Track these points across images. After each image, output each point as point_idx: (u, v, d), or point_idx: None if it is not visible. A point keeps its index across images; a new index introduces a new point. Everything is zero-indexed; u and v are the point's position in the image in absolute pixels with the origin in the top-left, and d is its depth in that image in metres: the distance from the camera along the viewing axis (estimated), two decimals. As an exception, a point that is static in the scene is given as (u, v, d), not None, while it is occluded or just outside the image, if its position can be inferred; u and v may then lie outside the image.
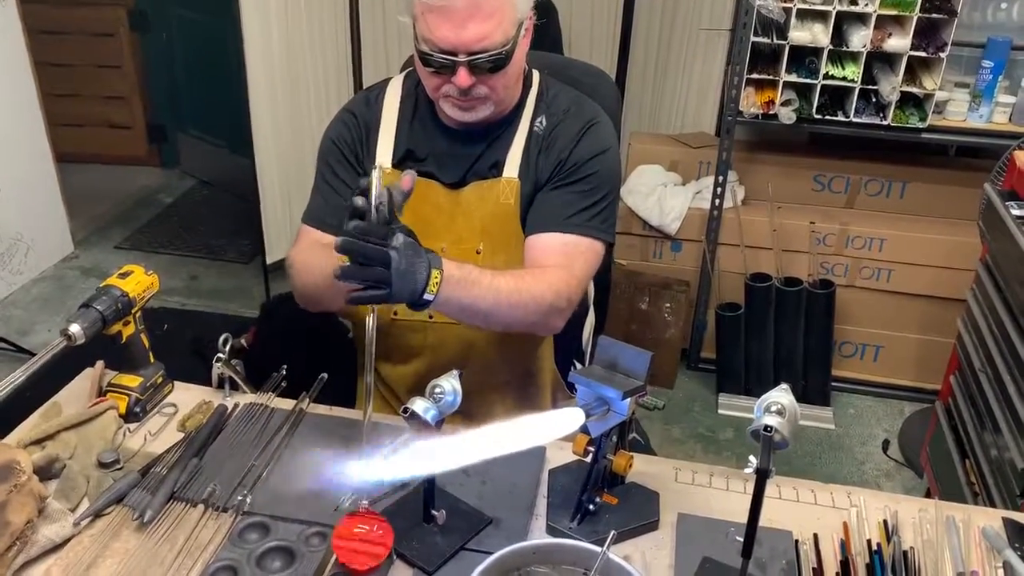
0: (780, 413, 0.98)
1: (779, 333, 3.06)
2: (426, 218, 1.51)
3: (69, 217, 4.00)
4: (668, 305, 3.11)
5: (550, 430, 1.07)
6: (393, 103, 1.55)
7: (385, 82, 1.59)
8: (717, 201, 2.97)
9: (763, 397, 1.00)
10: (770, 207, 3.00)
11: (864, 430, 3.05)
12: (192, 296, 3.74)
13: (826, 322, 3.03)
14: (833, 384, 3.16)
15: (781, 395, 1.00)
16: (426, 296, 1.20)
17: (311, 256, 1.43)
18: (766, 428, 0.95)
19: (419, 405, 1.11)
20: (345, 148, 1.54)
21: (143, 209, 4.51)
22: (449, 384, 1.15)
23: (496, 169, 1.49)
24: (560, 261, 1.43)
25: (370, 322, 1.21)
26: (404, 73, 1.58)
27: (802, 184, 3.14)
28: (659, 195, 3.09)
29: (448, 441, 0.99)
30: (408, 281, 1.16)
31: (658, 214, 3.08)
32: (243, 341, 2.73)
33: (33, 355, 2.73)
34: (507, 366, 1.59)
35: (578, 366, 1.76)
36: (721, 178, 2.94)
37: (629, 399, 1.16)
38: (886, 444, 2.96)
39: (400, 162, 1.51)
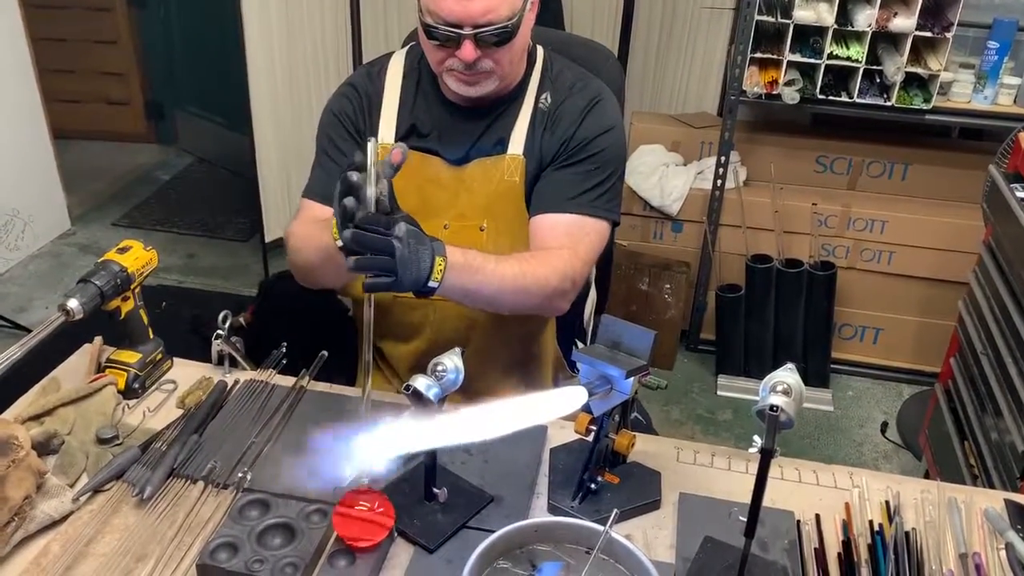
0: (786, 393, 0.96)
1: (779, 315, 3.06)
2: (428, 195, 1.50)
3: (66, 193, 3.98)
4: (668, 286, 3.10)
5: (552, 408, 1.06)
6: (396, 78, 1.53)
7: (387, 57, 1.57)
8: (719, 182, 2.96)
9: (769, 376, 0.99)
10: (772, 188, 2.98)
11: (863, 412, 3.06)
12: (190, 274, 3.72)
13: (826, 304, 3.02)
14: (832, 366, 3.17)
15: (787, 375, 0.99)
16: (431, 284, 1.19)
17: (310, 231, 1.42)
18: (772, 408, 0.94)
19: (421, 383, 1.10)
20: (347, 121, 1.52)
21: (141, 186, 4.49)
22: (451, 362, 1.14)
23: (501, 146, 1.48)
24: (565, 242, 1.42)
25: (367, 306, 1.20)
26: (407, 48, 1.56)
27: (804, 165, 3.13)
28: (660, 175, 3.07)
29: (449, 418, 0.98)
30: (412, 270, 1.15)
31: (659, 195, 3.06)
32: (242, 319, 2.73)
33: (30, 332, 2.73)
34: (508, 345, 1.58)
35: (580, 345, 1.75)
36: (723, 158, 2.92)
37: (632, 378, 1.15)
38: (884, 426, 2.96)
39: (403, 137, 1.49)
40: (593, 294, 1.80)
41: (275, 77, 3.35)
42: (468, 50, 1.34)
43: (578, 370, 1.18)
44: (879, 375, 3.21)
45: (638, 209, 3.14)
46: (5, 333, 3.18)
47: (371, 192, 1.11)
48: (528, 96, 1.49)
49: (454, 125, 1.49)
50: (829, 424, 2.98)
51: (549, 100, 1.49)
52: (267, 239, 3.57)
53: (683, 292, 3.13)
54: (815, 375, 3.09)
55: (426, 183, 1.50)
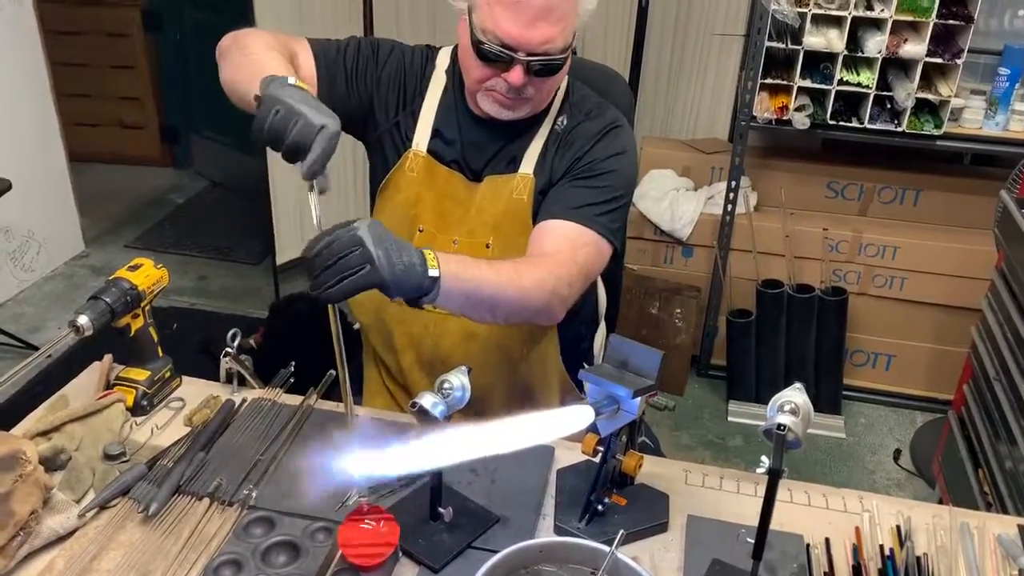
0: (794, 412, 0.96)
1: (790, 340, 3.04)
2: (446, 210, 1.50)
3: (81, 216, 4.01)
4: (679, 311, 3.09)
5: (559, 427, 1.05)
6: (440, 78, 1.52)
7: (433, 50, 1.55)
8: (729, 207, 2.96)
9: (776, 396, 0.99)
10: (783, 213, 2.98)
11: (875, 439, 3.03)
12: (201, 296, 3.74)
13: (838, 330, 3.01)
14: (844, 393, 3.14)
15: (795, 394, 0.98)
16: (430, 272, 1.13)
17: (256, 42, 1.35)
18: (779, 427, 0.94)
19: (427, 400, 1.10)
20: (385, 59, 1.50)
21: (154, 209, 4.53)
22: (458, 380, 1.14)
23: (513, 164, 1.48)
24: (563, 247, 1.38)
25: (332, 316, 1.15)
26: (452, 47, 1.54)
27: (815, 191, 3.13)
28: (671, 200, 3.08)
29: (455, 436, 0.98)
30: (398, 256, 1.08)
31: (670, 219, 3.07)
32: (252, 341, 2.74)
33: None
34: (511, 364, 1.57)
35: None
36: (734, 183, 2.92)
37: (639, 398, 1.14)
38: (897, 453, 2.93)
39: (430, 140, 1.49)
40: (603, 328, 1.79)
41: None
42: (518, 75, 1.34)
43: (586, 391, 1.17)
44: (892, 402, 3.19)
45: (649, 233, 3.14)
46: (18, 353, 3.19)
47: (316, 215, 1.11)
48: (548, 119, 1.50)
49: (475, 139, 1.49)
50: (841, 451, 2.95)
51: (565, 122, 1.50)
52: (278, 262, 3.59)
53: (693, 317, 3.12)
54: (827, 401, 3.07)
55: (445, 198, 1.50)
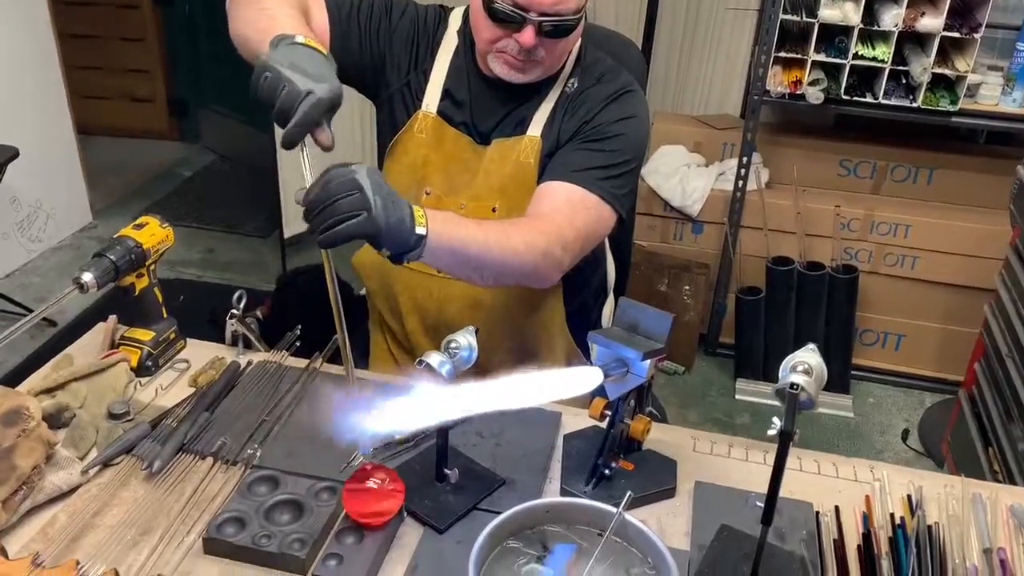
0: (807, 372, 0.94)
1: (799, 318, 3.02)
2: (453, 173, 1.48)
3: (89, 188, 4.00)
4: (687, 287, 3.07)
5: (567, 387, 1.03)
6: (452, 38, 1.49)
7: (446, 10, 1.53)
8: (740, 183, 2.93)
9: (789, 357, 0.97)
10: (794, 190, 2.95)
11: (883, 419, 3.01)
12: (209, 269, 3.73)
13: (848, 308, 2.98)
14: (853, 372, 3.12)
15: (808, 355, 0.96)
16: (417, 230, 1.10)
17: (272, 15, 1.27)
18: (792, 386, 0.92)
19: (434, 359, 1.09)
20: (398, 17, 1.47)
21: (162, 182, 4.51)
22: (465, 339, 1.12)
23: (521, 127, 1.46)
24: (562, 209, 1.35)
25: (328, 268, 1.13)
26: (464, 8, 1.51)
27: (827, 168, 3.09)
28: (681, 176, 3.05)
29: (461, 390, 0.96)
30: (392, 207, 1.06)
31: (680, 195, 3.04)
32: (259, 313, 2.73)
33: (50, 322, 2.72)
34: (516, 329, 1.55)
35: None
36: (745, 159, 2.89)
37: (648, 361, 1.13)
38: (906, 433, 2.91)
39: (441, 101, 1.47)
40: (611, 301, 1.77)
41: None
42: (529, 35, 1.31)
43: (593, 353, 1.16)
44: (901, 382, 3.16)
45: (658, 209, 3.12)
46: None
47: (308, 175, 1.09)
48: (559, 82, 1.47)
49: (485, 101, 1.47)
50: (849, 430, 2.93)
51: (576, 85, 1.47)
52: (286, 235, 3.58)
53: (702, 294, 3.10)
54: (835, 380, 3.05)
55: (453, 162, 1.48)
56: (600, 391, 1.19)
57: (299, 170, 1.14)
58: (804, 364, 0.95)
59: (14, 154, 3.01)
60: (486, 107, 1.48)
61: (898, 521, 1.18)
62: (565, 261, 1.34)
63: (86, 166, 3.95)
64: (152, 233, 1.39)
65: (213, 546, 1.06)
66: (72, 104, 3.80)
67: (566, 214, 1.34)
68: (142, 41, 4.73)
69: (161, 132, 4.94)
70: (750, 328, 3.06)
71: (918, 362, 3.14)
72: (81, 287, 1.27)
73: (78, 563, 1.00)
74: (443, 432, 1.15)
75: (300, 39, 1.13)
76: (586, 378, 1.05)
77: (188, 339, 1.51)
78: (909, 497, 1.23)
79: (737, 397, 3.06)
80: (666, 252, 3.15)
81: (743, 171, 2.91)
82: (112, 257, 1.31)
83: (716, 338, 3.24)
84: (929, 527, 1.17)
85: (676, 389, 3.07)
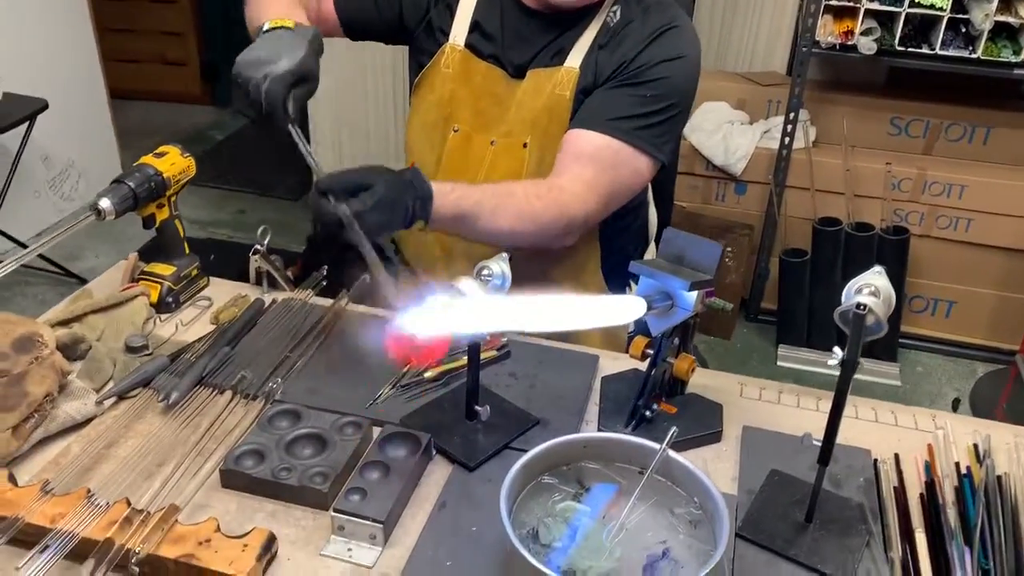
0: (874, 294, 0.85)
1: (846, 282, 2.89)
2: (483, 108, 1.41)
3: (120, 149, 3.98)
4: (730, 250, 2.96)
5: (609, 314, 0.96)
6: None
7: None
8: (787, 140, 2.81)
9: (854, 280, 0.89)
10: (844, 149, 2.82)
11: (932, 388, 2.89)
12: (239, 229, 3.69)
13: (897, 272, 2.86)
14: (900, 340, 3.00)
15: (875, 277, 0.88)
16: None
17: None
18: (859, 306, 0.83)
19: (466, 285, 1.02)
20: None
21: (194, 145, 4.42)
22: (498, 267, 1.05)
23: (559, 57, 1.37)
24: (588, 171, 1.30)
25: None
26: None
27: (877, 127, 2.95)
28: (724, 133, 2.94)
29: (501, 302, 0.89)
30: (390, 212, 1.14)
31: (723, 153, 2.93)
32: (289, 273, 2.69)
33: (81, 279, 2.67)
34: (547, 276, 1.47)
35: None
36: (792, 115, 2.77)
37: (695, 292, 1.05)
38: (956, 403, 2.79)
39: (469, 33, 1.40)
40: (653, 249, 1.69)
41: (332, 39, 3.29)
42: None
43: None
44: (951, 351, 3.03)
45: (700, 168, 3.01)
46: (57, 280, 3.19)
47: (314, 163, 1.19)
48: (602, 10, 1.38)
49: (520, 31, 1.39)
50: (896, 399, 2.81)
51: (618, 16, 1.37)
52: (317, 196, 3.53)
53: (744, 257, 2.99)
54: (883, 348, 2.93)
55: (483, 96, 1.40)
56: (642, 327, 1.11)
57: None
58: (871, 286, 0.86)
59: (43, 106, 2.99)
60: (522, 38, 1.39)
61: (963, 471, 1.09)
62: (590, 223, 1.35)
63: (118, 128, 3.93)
64: (173, 162, 1.33)
65: (230, 478, 1.00)
66: (105, 68, 3.77)
67: (590, 178, 1.30)
68: (175, 3, 4.69)
69: (193, 96, 4.91)
70: (794, 292, 2.95)
71: (970, 330, 3.01)
72: (98, 213, 1.22)
73: (89, 492, 0.94)
74: (474, 359, 1.08)
75: (266, 26, 1.19)
76: (629, 307, 0.98)
77: (211, 277, 1.45)
78: (975, 446, 1.14)
79: (779, 363, 2.95)
80: (708, 213, 3.05)
81: (790, 127, 2.79)
82: (131, 183, 1.26)
83: (758, 304, 3.13)
84: (999, 477, 1.08)
85: (715, 355, 2.97)
